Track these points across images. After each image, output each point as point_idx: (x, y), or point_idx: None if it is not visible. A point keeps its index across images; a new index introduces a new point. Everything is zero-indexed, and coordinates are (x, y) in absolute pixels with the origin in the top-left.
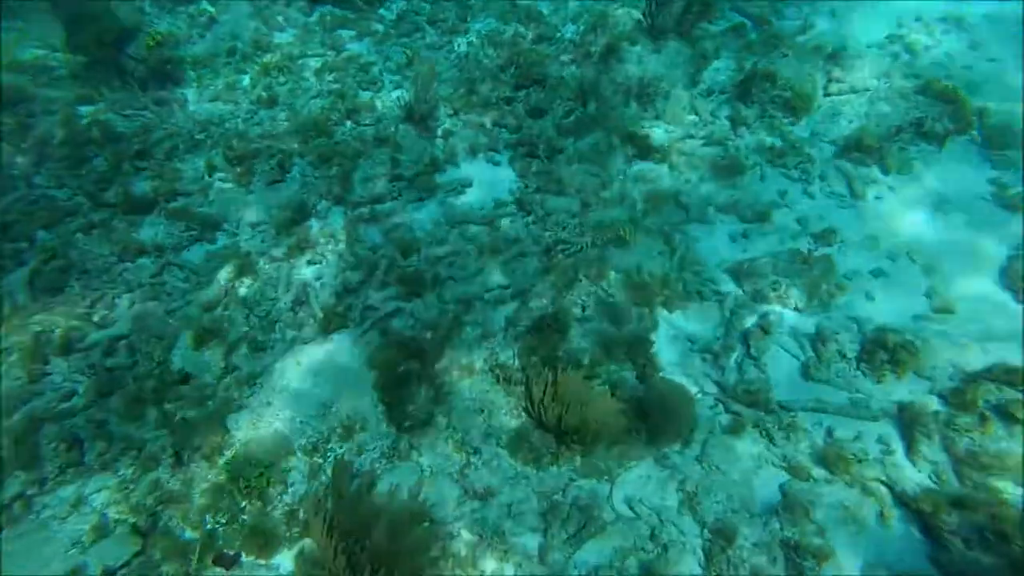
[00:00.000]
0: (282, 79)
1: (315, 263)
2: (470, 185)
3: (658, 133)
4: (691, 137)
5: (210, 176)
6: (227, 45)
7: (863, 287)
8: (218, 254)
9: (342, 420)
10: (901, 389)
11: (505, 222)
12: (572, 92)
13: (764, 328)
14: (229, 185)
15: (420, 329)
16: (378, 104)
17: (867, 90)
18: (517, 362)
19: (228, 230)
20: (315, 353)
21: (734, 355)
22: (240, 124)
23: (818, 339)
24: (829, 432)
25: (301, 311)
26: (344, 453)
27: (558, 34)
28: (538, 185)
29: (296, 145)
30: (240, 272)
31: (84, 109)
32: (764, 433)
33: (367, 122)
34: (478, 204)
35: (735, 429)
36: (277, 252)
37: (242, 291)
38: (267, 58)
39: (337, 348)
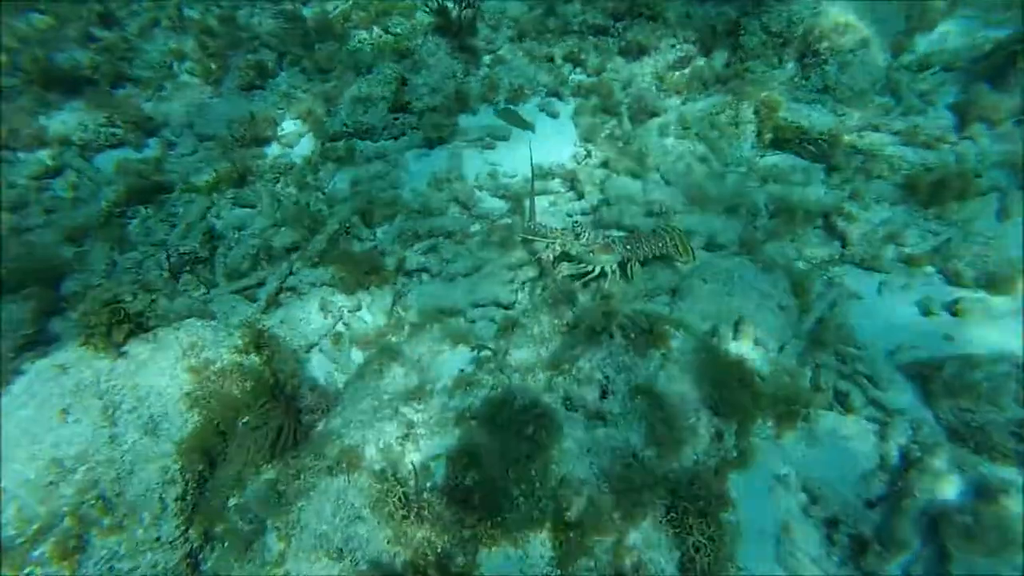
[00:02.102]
0: None
1: (245, 206)
2: (506, 139)
3: (819, 113)
4: (876, 129)
5: (177, 65)
6: None
7: None
8: (131, 167)
9: (93, 498)
10: None
11: (540, 203)
12: (697, 31)
13: (979, 520)
14: (195, 80)
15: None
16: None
17: None
18: (439, 475)
19: (165, 137)
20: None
21: (904, 554)
22: (249, 15)
23: None
24: None
25: (188, 273)
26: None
27: None
28: (607, 156)
29: (299, 48)
30: (139, 197)
31: None
32: None
33: (398, 30)
34: (509, 168)
35: None
36: (199, 179)
37: (133, 224)
38: None
39: (156, 351)
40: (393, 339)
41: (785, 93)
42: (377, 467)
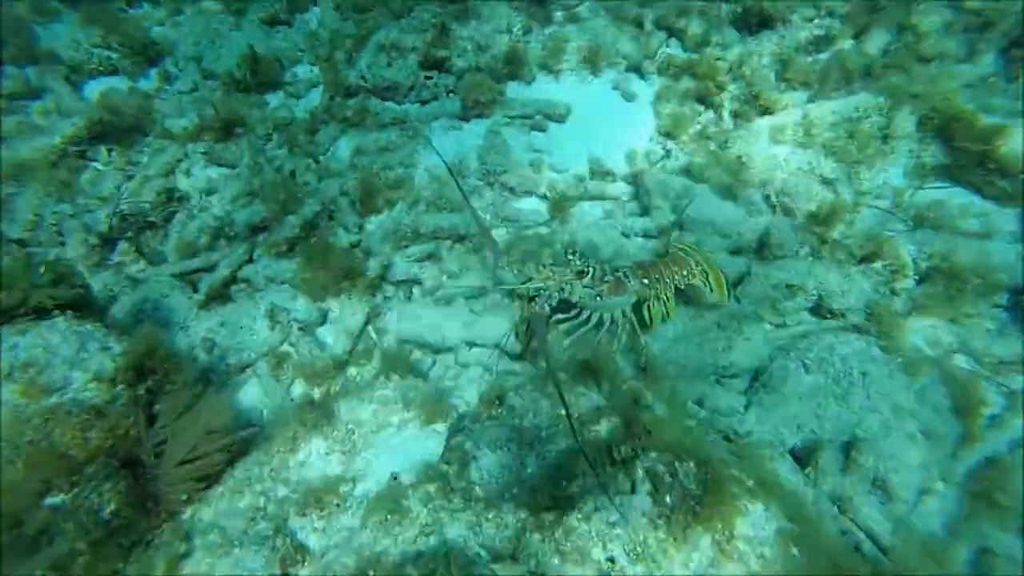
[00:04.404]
0: None
1: (222, 164)
2: (561, 119)
3: None
4: None
5: None
6: None
7: None
8: (112, 99)
9: None
10: None
11: (592, 212)
12: (848, 1)
13: None
14: (217, 7)
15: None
16: None
17: None
18: None
19: (164, 71)
20: None
21: None
22: None
23: None
24: None
25: (127, 240)
26: None
27: None
28: (693, 160)
29: None
30: (109, 136)
31: None
32: None
33: None
34: (560, 160)
35: None
36: (178, 124)
37: (90, 167)
38: None
39: None
40: (352, 375)
41: (972, 99)
42: None
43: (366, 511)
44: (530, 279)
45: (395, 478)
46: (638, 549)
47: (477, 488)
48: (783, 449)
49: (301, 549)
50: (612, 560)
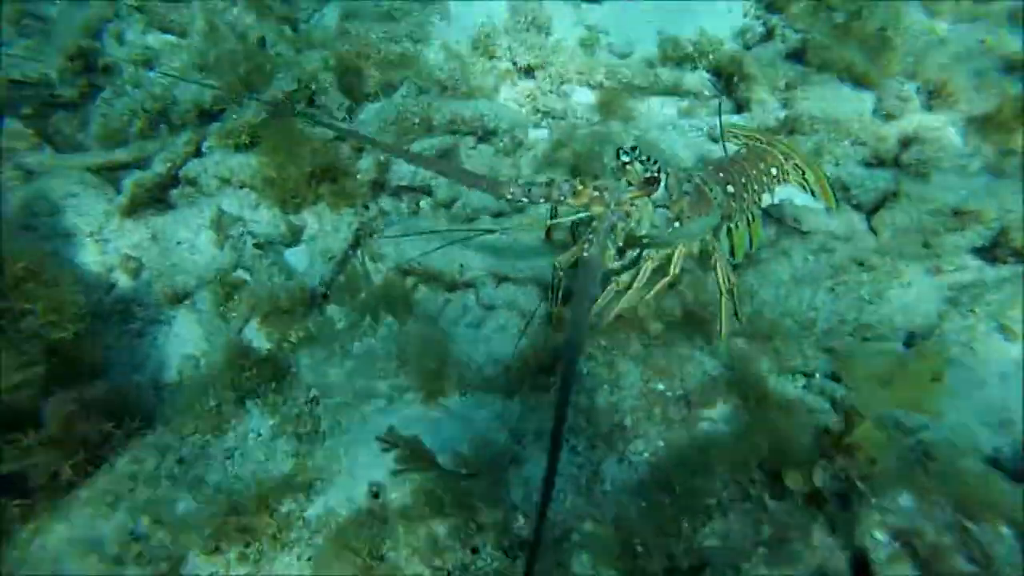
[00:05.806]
0: None
1: (166, 29)
2: None
3: None
4: None
5: None
6: None
7: None
8: None
9: None
10: None
11: (666, 111)
12: None
13: None
14: None
15: None
16: None
17: None
18: None
19: None
20: None
21: None
22: None
23: None
24: None
25: (20, 118)
26: None
27: None
28: (810, 40)
29: None
30: None
31: None
32: None
33: None
34: (620, 39)
35: None
36: None
37: None
38: None
39: None
40: (332, 315)
41: None
42: None
43: (319, 555)
44: (567, 207)
45: (376, 495)
46: None
47: (521, 517)
48: (978, 456)
49: None
50: None
